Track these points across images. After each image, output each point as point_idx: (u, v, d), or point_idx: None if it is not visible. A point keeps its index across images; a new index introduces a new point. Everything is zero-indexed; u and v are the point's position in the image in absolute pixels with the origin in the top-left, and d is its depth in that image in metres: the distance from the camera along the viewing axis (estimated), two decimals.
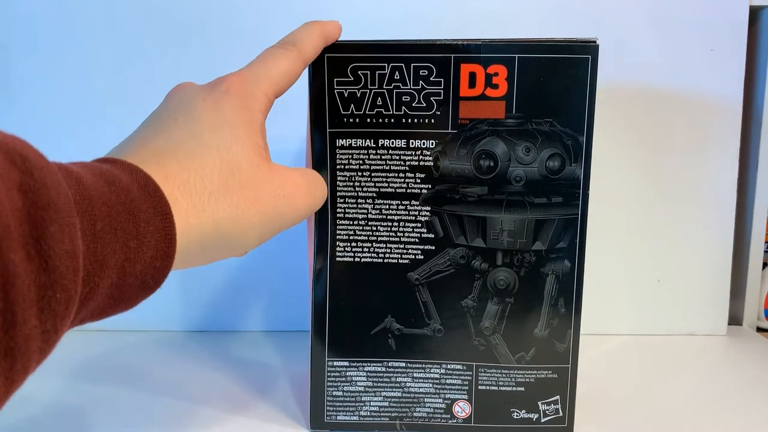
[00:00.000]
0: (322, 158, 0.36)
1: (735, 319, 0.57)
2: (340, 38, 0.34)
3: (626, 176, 0.53)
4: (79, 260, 0.18)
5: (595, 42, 0.34)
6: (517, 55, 0.34)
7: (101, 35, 0.53)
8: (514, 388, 0.37)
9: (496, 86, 0.34)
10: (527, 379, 0.37)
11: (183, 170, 0.23)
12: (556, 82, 0.34)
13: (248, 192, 0.25)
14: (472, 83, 0.34)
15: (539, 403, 0.38)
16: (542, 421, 0.38)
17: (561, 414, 0.38)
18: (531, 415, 0.38)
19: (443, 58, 0.34)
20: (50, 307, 0.17)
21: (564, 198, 0.35)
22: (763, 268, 0.57)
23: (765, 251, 0.56)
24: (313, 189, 0.29)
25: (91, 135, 0.53)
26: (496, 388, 0.38)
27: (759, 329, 0.58)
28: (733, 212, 0.53)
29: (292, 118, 0.50)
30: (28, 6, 0.52)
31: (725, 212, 0.53)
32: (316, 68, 0.34)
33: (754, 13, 0.52)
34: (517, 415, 0.38)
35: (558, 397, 0.38)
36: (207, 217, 0.23)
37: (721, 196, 0.53)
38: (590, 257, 0.54)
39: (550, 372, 0.37)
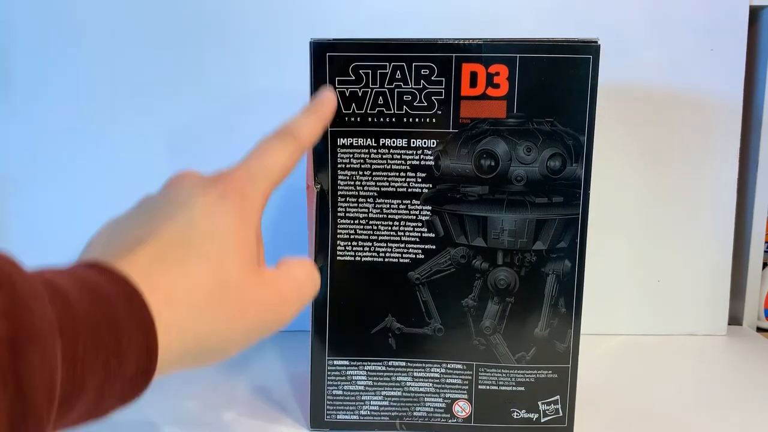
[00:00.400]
0: (323, 157, 0.36)
1: (735, 319, 0.58)
2: (341, 36, 0.34)
3: (626, 176, 0.53)
4: (56, 390, 0.18)
5: (596, 42, 0.34)
6: (518, 55, 0.34)
7: (102, 36, 0.52)
8: (514, 388, 0.37)
9: (497, 86, 0.34)
10: (527, 379, 0.37)
11: (171, 281, 0.23)
12: (557, 82, 0.34)
13: (233, 305, 0.24)
14: (473, 83, 0.34)
15: (539, 402, 0.38)
16: (542, 420, 0.38)
17: (561, 414, 0.38)
18: (531, 415, 0.38)
19: (445, 57, 0.34)
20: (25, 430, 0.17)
21: (565, 198, 0.35)
22: (763, 268, 0.57)
23: (765, 251, 0.57)
24: (303, 292, 0.28)
25: (92, 134, 0.53)
26: (496, 387, 0.38)
27: (759, 329, 0.58)
28: (733, 212, 0.53)
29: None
30: (29, 6, 0.52)
31: (725, 212, 0.53)
32: (317, 67, 0.34)
33: (754, 13, 0.53)
34: (517, 415, 0.38)
35: (558, 397, 0.38)
36: (189, 330, 0.23)
37: (721, 196, 0.53)
38: (590, 257, 0.54)
39: (550, 372, 0.37)
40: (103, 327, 0.20)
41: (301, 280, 0.27)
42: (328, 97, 0.29)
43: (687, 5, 0.51)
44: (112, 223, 0.27)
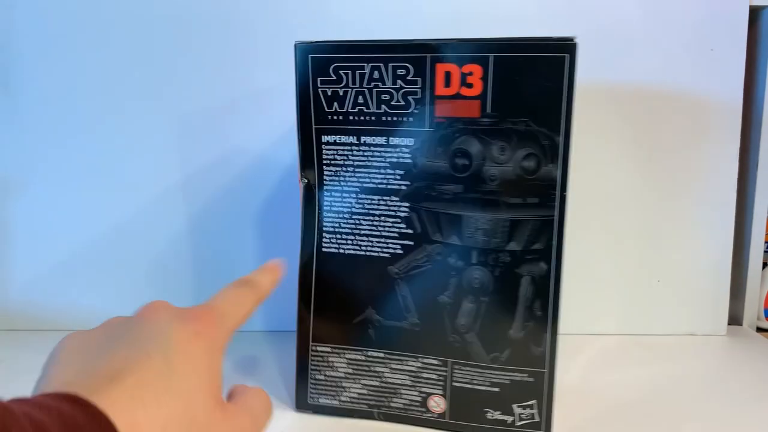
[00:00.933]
0: (308, 153, 0.38)
1: (735, 319, 0.57)
2: (323, 38, 0.36)
3: (626, 176, 0.53)
4: None
5: (572, 40, 0.33)
6: (491, 55, 0.34)
7: (103, 35, 0.53)
8: (489, 388, 0.37)
9: (470, 85, 0.34)
10: (502, 380, 0.37)
11: (148, 421, 0.24)
12: (531, 82, 0.34)
13: None
14: (447, 82, 0.35)
15: (514, 405, 0.37)
16: (517, 424, 0.37)
17: (537, 419, 0.37)
18: (506, 417, 0.38)
19: (419, 57, 0.35)
20: None
21: (540, 199, 0.35)
22: (763, 268, 0.56)
23: (765, 251, 0.56)
24: (259, 424, 0.30)
25: (92, 134, 0.55)
26: (470, 386, 0.38)
27: (759, 329, 0.58)
28: (733, 212, 0.53)
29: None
30: (29, 6, 0.53)
31: (725, 212, 0.53)
32: (301, 68, 0.37)
33: (754, 13, 0.52)
34: (491, 416, 0.38)
35: (534, 401, 0.37)
36: None
37: (721, 196, 0.52)
38: (590, 257, 0.54)
39: (525, 375, 0.37)
40: None
41: (257, 412, 0.29)
42: (276, 264, 0.34)
43: (687, 5, 0.49)
44: (80, 345, 0.27)
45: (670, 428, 0.39)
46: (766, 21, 0.53)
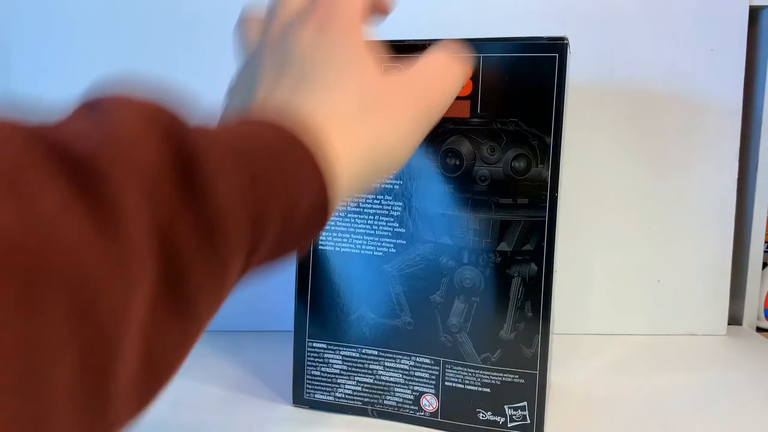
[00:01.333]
0: None
1: (735, 319, 0.57)
2: None
3: (626, 176, 0.53)
4: (238, 200, 0.17)
5: (563, 40, 0.33)
6: (481, 55, 0.34)
7: (102, 34, 0.53)
8: (480, 388, 0.37)
9: None
10: (493, 381, 0.37)
11: (324, 106, 0.23)
12: (521, 82, 0.33)
13: (382, 108, 0.24)
14: None
15: (506, 406, 0.37)
16: (509, 425, 0.37)
17: (528, 421, 0.37)
18: (497, 418, 0.37)
19: (410, 57, 0.35)
20: (216, 251, 0.16)
21: (530, 200, 0.35)
22: (763, 268, 0.56)
23: (765, 251, 0.55)
24: (446, 78, 0.28)
25: None
26: (462, 385, 0.38)
27: (759, 329, 0.58)
28: (733, 212, 0.52)
29: None
30: (30, 5, 0.53)
31: (725, 212, 0.52)
32: None
33: (754, 13, 0.52)
34: (483, 416, 0.38)
35: (525, 403, 0.37)
36: (359, 143, 0.23)
37: (721, 195, 0.52)
38: (590, 257, 0.54)
39: (516, 377, 0.37)
40: (271, 152, 0.19)
41: (438, 67, 0.28)
42: None
43: (686, 5, 0.49)
44: (233, 90, 0.28)
45: (669, 429, 0.39)
46: (766, 21, 0.52)
